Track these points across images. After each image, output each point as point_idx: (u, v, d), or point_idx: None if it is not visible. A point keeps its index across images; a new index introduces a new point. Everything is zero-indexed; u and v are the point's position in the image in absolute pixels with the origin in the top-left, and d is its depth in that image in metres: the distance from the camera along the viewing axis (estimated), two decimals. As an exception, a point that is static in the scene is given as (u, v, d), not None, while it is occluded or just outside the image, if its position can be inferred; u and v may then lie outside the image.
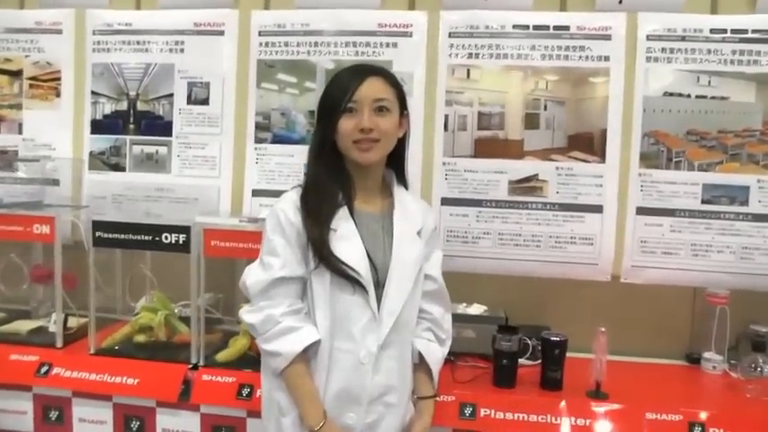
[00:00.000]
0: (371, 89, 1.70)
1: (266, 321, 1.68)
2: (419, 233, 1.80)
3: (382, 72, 1.76)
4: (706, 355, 2.36)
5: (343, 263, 1.66)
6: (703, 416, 1.99)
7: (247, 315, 1.72)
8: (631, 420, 1.99)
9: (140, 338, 2.31)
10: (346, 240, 1.69)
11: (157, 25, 2.64)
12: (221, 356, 2.20)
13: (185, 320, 2.30)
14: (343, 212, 1.71)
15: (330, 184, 1.73)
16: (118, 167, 2.67)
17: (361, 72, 1.73)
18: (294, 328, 1.67)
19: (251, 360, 2.13)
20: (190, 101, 2.63)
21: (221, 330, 2.41)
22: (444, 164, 2.48)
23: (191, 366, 2.17)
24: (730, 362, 2.34)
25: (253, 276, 1.73)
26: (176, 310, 2.39)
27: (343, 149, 1.73)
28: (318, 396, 1.67)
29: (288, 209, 1.72)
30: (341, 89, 1.70)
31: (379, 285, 1.71)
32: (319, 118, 1.76)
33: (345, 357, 1.68)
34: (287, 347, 1.66)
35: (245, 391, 2.07)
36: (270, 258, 1.71)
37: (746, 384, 2.16)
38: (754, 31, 2.36)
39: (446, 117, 2.47)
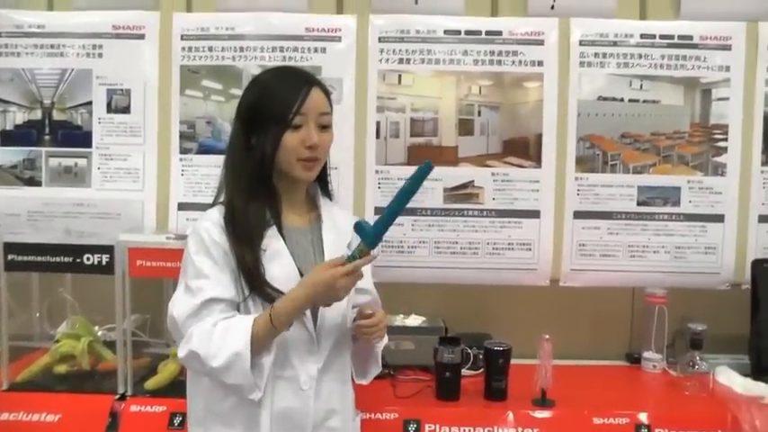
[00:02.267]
0: (317, 102, 1.59)
1: (203, 338, 1.49)
2: (349, 246, 1.69)
3: (320, 82, 1.65)
4: (646, 354, 2.40)
5: (276, 290, 1.54)
6: (649, 417, 2.01)
7: (182, 350, 1.53)
8: (579, 426, 2.01)
9: (61, 369, 2.16)
10: (276, 260, 1.58)
11: (73, 27, 2.47)
12: (150, 384, 2.09)
13: (111, 346, 2.17)
14: (272, 231, 1.60)
15: (258, 202, 1.61)
16: (33, 182, 2.49)
17: (305, 81, 1.61)
18: (230, 325, 1.50)
19: (182, 385, 1.95)
20: (110, 109, 2.47)
21: (149, 354, 2.28)
22: (377, 172, 2.42)
23: (118, 397, 2.04)
24: (669, 360, 2.39)
25: (180, 306, 1.56)
26: (99, 334, 2.26)
27: (284, 165, 1.60)
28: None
29: (212, 229, 1.58)
30: (286, 99, 1.57)
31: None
32: (253, 129, 1.60)
33: (286, 385, 1.58)
34: (237, 342, 1.47)
35: (177, 420, 1.97)
36: (198, 282, 1.55)
37: (685, 381, 2.21)
38: (680, 37, 2.42)
39: (378, 124, 2.41)
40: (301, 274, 1.58)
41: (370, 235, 1.53)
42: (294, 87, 1.59)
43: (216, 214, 1.61)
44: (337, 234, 1.69)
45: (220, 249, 1.57)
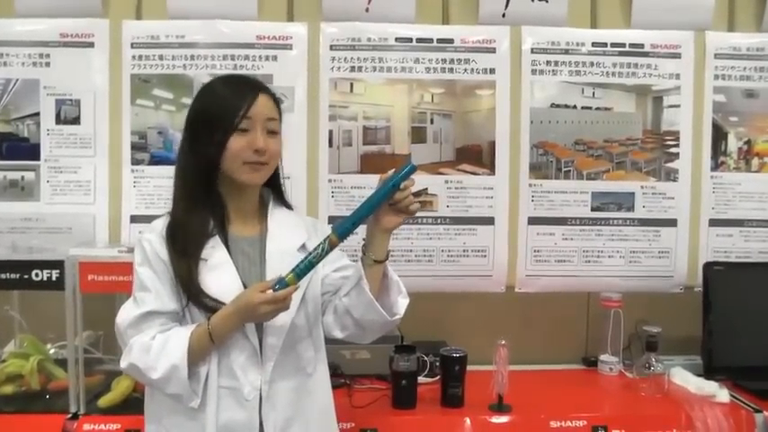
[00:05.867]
0: (264, 107, 1.59)
1: (142, 351, 1.52)
2: (303, 248, 1.67)
3: (268, 89, 1.65)
4: (602, 357, 2.43)
5: (214, 300, 1.54)
6: (606, 419, 2.04)
7: (123, 361, 1.56)
8: (537, 430, 2.02)
9: (8, 389, 2.10)
10: (218, 270, 1.57)
11: (17, 35, 2.40)
12: (103, 401, 2.04)
13: (63, 364, 2.11)
14: (214, 241, 1.59)
15: (202, 210, 1.60)
16: (-25, 197, 2.43)
17: (252, 87, 1.61)
18: (168, 337, 1.53)
19: (136, 402, 1.97)
20: (59, 120, 2.41)
21: (103, 372, 2.21)
22: (330, 181, 2.41)
23: (70, 416, 1.99)
24: (625, 362, 2.42)
25: (123, 313, 1.59)
26: (51, 352, 2.20)
27: (230, 170, 1.58)
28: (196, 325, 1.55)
29: (154, 240, 1.60)
30: (232, 104, 1.56)
31: None
32: (199, 135, 1.59)
33: (230, 395, 1.56)
34: (175, 354, 1.50)
35: (132, 438, 1.94)
36: (141, 293, 1.58)
37: (641, 383, 2.24)
38: (631, 45, 2.46)
39: (330, 132, 2.40)
40: (245, 285, 1.57)
41: (341, 227, 1.54)
42: (241, 92, 1.59)
43: (159, 224, 1.63)
44: (284, 241, 1.66)
45: (161, 261, 1.58)
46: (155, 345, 1.53)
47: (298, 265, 1.52)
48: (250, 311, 1.51)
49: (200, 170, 1.60)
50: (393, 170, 1.57)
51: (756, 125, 2.50)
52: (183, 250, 1.56)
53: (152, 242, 1.59)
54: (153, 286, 1.57)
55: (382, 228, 1.60)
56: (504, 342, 2.07)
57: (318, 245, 1.54)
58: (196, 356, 1.53)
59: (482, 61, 2.40)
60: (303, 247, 1.67)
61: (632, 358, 2.38)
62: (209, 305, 1.54)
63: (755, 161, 2.50)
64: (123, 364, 1.56)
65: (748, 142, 2.50)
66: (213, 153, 1.57)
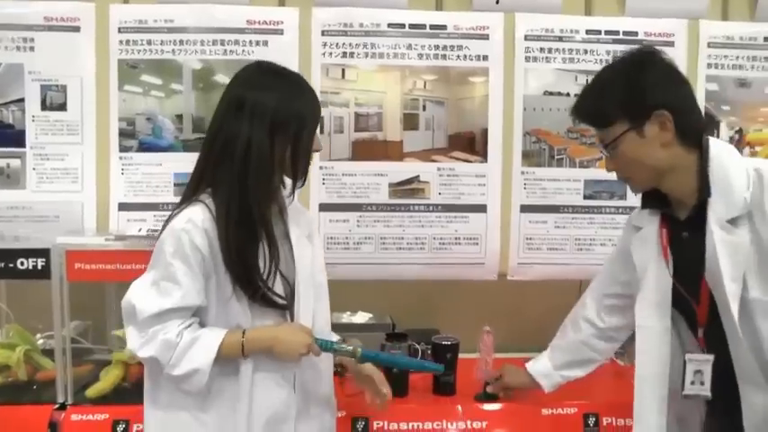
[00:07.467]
0: None
1: (165, 348, 1.52)
2: (308, 237, 1.71)
3: None
4: (594, 345, 2.42)
5: (279, 296, 1.58)
6: (597, 406, 2.05)
7: (143, 350, 1.53)
8: (528, 418, 2.02)
9: (-6, 381, 2.09)
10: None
11: (1, 19, 2.35)
12: (92, 391, 2.03)
13: (51, 354, 2.09)
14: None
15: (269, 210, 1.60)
16: (-41, 185, 2.38)
17: None
18: (196, 338, 1.53)
19: (125, 392, 2.00)
20: (45, 106, 2.37)
21: (92, 361, 2.20)
22: (321, 168, 2.39)
23: (57, 406, 1.97)
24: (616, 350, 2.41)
25: (145, 300, 1.54)
26: (40, 342, 2.18)
27: (301, 165, 1.61)
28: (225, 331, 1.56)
29: (194, 232, 1.53)
30: (318, 106, 1.64)
31: (291, 298, 1.63)
32: (285, 130, 1.55)
33: (268, 379, 1.59)
34: (200, 359, 1.52)
35: (120, 428, 1.92)
36: (168, 284, 1.54)
37: (632, 371, 2.20)
38: (625, 33, 2.46)
39: (321, 119, 2.35)
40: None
41: (369, 354, 1.75)
42: (314, 93, 1.64)
43: (200, 215, 1.54)
44: (300, 226, 1.70)
45: (198, 254, 1.53)
46: (181, 344, 1.52)
47: (320, 341, 1.62)
48: (292, 350, 1.57)
49: (278, 159, 1.57)
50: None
51: (748, 114, 2.50)
52: (255, 255, 1.56)
53: (191, 233, 1.52)
54: (184, 281, 1.53)
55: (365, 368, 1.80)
56: (488, 329, 2.06)
57: (345, 344, 1.71)
58: (221, 361, 1.55)
59: (475, 48, 2.39)
60: (308, 237, 1.72)
61: (624, 346, 2.36)
62: (277, 304, 1.58)
63: (747, 150, 2.50)
64: (142, 353, 1.54)
65: (740, 131, 2.50)
66: (306, 152, 1.60)
